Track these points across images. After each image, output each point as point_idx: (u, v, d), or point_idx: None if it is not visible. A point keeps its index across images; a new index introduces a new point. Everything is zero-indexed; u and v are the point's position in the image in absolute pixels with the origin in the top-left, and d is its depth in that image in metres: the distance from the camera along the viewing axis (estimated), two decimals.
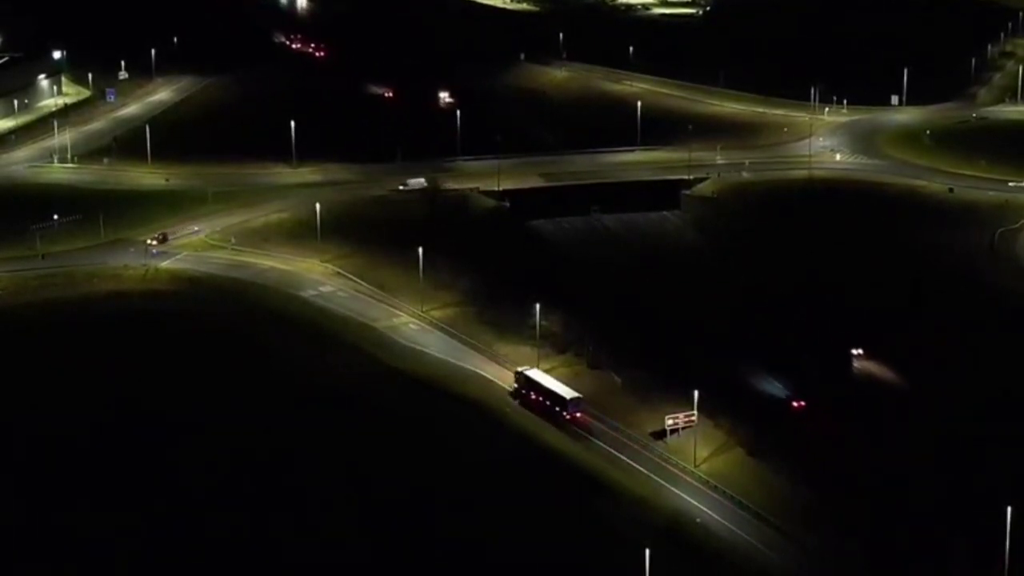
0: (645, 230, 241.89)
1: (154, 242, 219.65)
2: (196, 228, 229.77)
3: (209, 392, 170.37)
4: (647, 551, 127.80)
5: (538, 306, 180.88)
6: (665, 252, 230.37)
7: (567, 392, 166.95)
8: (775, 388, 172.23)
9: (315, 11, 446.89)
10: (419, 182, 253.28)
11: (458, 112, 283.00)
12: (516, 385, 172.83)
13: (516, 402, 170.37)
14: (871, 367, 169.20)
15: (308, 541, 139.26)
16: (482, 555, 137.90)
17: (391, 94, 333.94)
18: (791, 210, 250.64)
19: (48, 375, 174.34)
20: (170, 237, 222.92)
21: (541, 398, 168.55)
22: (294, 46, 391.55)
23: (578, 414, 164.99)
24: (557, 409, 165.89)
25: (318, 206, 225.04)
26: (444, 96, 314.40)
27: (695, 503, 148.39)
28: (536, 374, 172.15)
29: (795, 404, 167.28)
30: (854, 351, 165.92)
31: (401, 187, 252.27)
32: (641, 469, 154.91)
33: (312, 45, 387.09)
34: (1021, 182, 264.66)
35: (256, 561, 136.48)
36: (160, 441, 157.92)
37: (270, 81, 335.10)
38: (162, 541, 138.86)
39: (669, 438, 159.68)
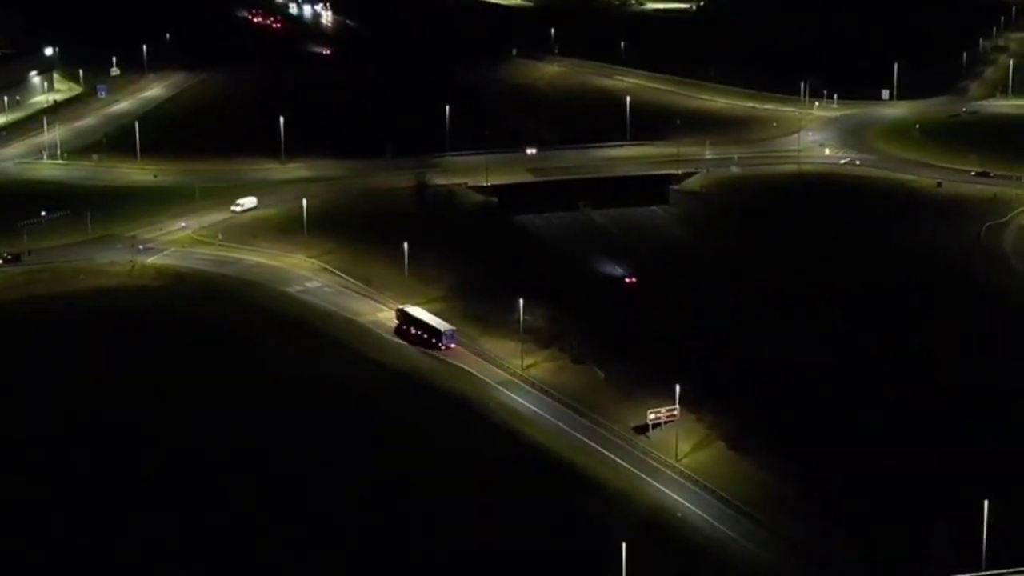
0: (633, 225, 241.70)
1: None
2: (183, 224, 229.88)
3: (195, 388, 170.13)
4: (624, 545, 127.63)
5: (521, 301, 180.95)
6: (653, 247, 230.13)
7: (442, 325, 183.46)
8: (614, 270, 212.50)
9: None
10: (251, 201, 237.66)
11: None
12: (398, 321, 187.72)
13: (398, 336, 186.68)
14: None
15: (296, 535, 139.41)
16: (464, 548, 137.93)
17: (328, 52, 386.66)
18: (780, 205, 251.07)
19: (35, 372, 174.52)
20: (22, 257, 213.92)
21: (419, 332, 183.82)
22: (255, 20, 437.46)
23: (452, 345, 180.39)
24: (433, 341, 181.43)
25: (304, 202, 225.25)
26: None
27: (677, 497, 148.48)
28: (415, 310, 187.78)
29: (628, 280, 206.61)
30: None
31: (234, 208, 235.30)
32: (623, 463, 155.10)
33: (271, 19, 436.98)
34: (854, 158, 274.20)
35: (247, 553, 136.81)
36: (150, 437, 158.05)
37: (262, 77, 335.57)
38: (157, 537, 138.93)
39: (651, 432, 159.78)
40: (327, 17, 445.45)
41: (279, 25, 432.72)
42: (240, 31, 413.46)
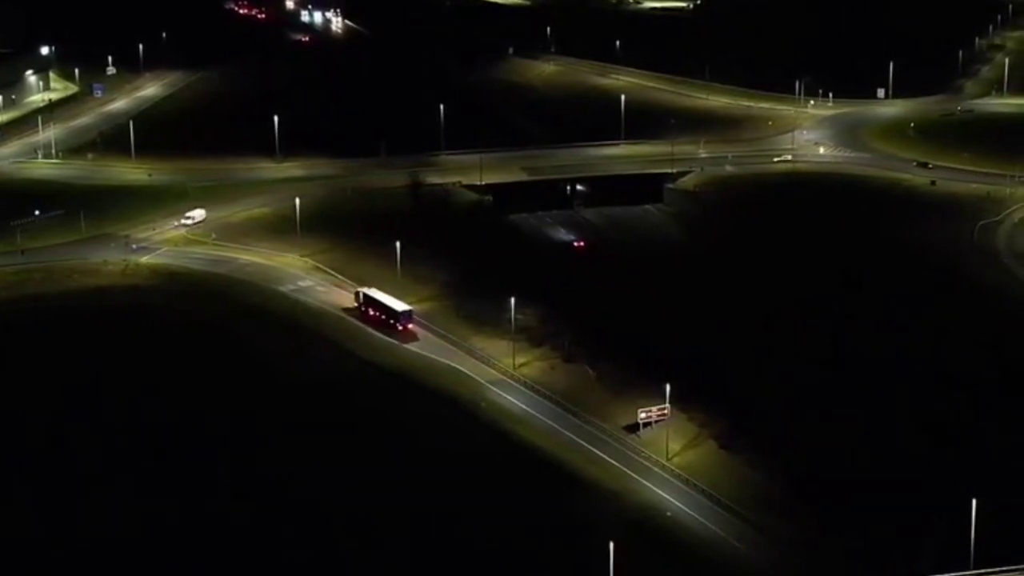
0: (627, 224, 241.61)
1: None
2: (177, 223, 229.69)
3: (186, 387, 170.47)
4: (611, 544, 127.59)
5: (513, 300, 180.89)
6: (646, 245, 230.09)
7: (400, 306, 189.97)
8: (564, 235, 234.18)
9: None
10: (200, 213, 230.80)
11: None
12: (357, 303, 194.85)
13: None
14: None
15: (285, 533, 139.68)
16: (453, 547, 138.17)
17: (307, 39, 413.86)
18: (774, 203, 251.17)
19: (25, 370, 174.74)
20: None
21: (378, 313, 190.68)
22: (241, 11, 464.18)
23: (409, 325, 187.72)
24: (391, 321, 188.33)
25: (298, 201, 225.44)
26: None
27: (667, 497, 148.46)
28: (373, 292, 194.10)
29: (576, 244, 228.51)
30: None
31: (184, 222, 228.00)
32: (614, 462, 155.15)
33: (255, 10, 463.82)
34: (785, 157, 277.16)
35: (236, 552, 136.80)
36: (141, 436, 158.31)
37: (257, 75, 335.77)
38: (148, 535, 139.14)
39: (642, 432, 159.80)
40: (337, 23, 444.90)
41: (264, 16, 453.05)
42: (227, 23, 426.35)
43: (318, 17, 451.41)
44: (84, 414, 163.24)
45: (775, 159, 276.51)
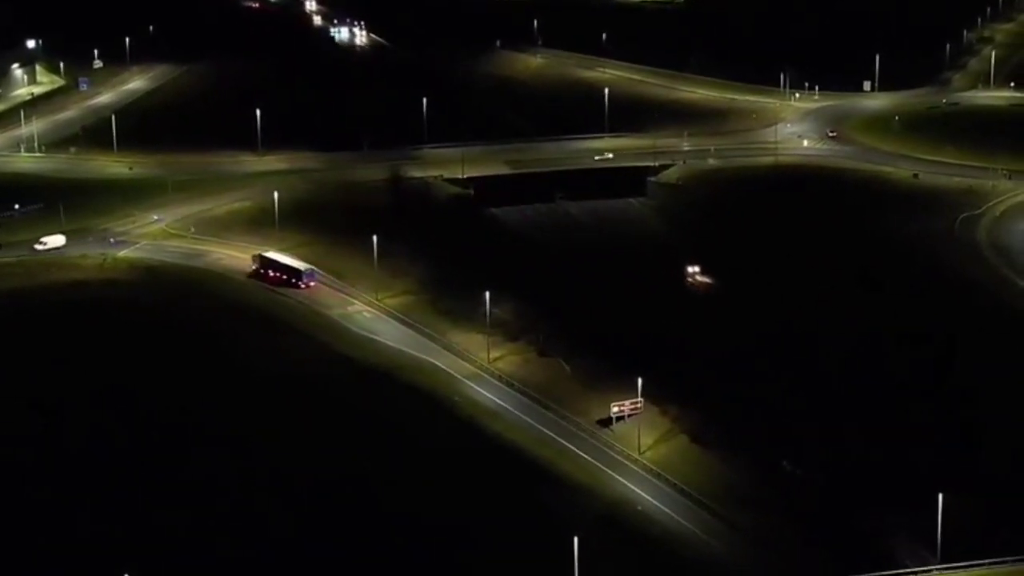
0: (609, 217, 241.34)
1: None
2: (156, 217, 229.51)
3: (165, 382, 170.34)
4: (576, 539, 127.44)
5: (488, 294, 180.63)
6: (628, 239, 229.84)
7: (302, 265, 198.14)
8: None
9: None
10: (57, 239, 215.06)
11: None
12: (255, 266, 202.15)
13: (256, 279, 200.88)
14: None
15: (259, 527, 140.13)
16: (424, 541, 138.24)
17: (257, 4, 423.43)
18: (757, 197, 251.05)
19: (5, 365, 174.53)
20: None
21: (279, 273, 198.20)
22: None
23: (312, 283, 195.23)
24: (294, 281, 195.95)
25: (276, 195, 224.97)
26: (694, 271, 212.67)
27: (638, 491, 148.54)
28: (272, 254, 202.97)
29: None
30: None
31: (36, 247, 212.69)
32: (586, 457, 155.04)
33: None
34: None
35: (209, 542, 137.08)
36: (122, 432, 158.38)
37: (243, 70, 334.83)
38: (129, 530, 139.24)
39: (615, 425, 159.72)
40: (362, 37, 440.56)
41: None
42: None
43: (344, 32, 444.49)
44: (60, 408, 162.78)
45: (596, 157, 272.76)
